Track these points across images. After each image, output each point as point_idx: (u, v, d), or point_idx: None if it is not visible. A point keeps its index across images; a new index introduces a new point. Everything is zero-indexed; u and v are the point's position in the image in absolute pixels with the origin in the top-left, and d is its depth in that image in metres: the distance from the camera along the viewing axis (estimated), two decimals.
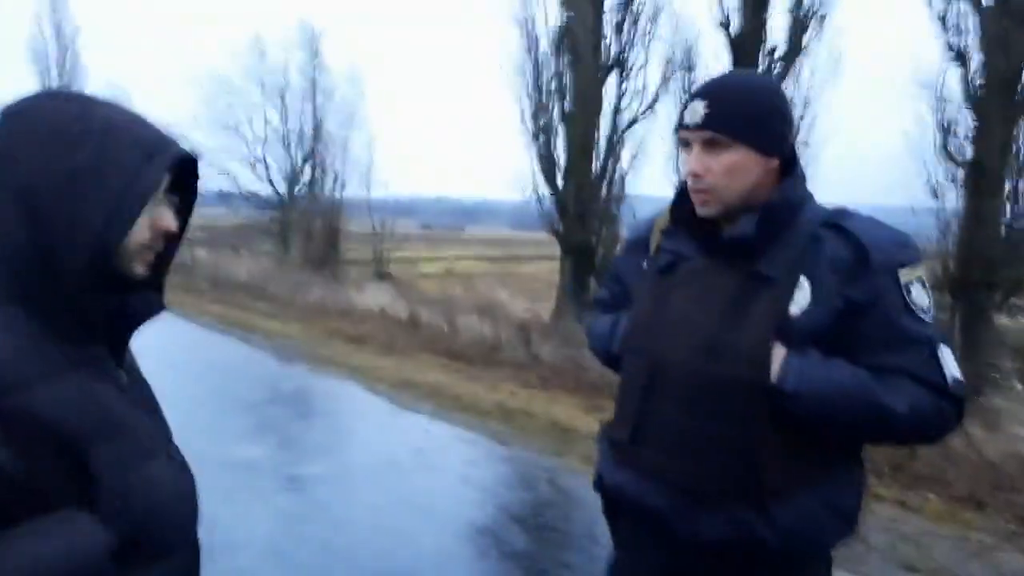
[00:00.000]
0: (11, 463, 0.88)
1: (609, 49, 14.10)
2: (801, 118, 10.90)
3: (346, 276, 16.63)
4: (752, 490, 1.41)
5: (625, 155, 14.15)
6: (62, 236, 0.97)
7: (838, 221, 1.45)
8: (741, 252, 1.45)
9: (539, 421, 6.24)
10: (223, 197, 24.11)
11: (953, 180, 9.33)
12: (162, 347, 9.19)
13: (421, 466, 5.13)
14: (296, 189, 22.26)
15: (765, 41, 11.30)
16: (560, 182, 14.22)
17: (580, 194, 13.87)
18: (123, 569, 0.98)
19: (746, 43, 11.28)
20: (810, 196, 1.51)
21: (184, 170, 1.12)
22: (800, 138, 11.76)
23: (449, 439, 5.77)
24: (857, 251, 1.40)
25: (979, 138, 8.84)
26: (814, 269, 1.41)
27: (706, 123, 1.43)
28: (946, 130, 9.38)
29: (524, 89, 14.34)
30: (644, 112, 14.00)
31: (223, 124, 22.65)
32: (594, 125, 14.06)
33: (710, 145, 1.44)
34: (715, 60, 11.79)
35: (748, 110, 1.43)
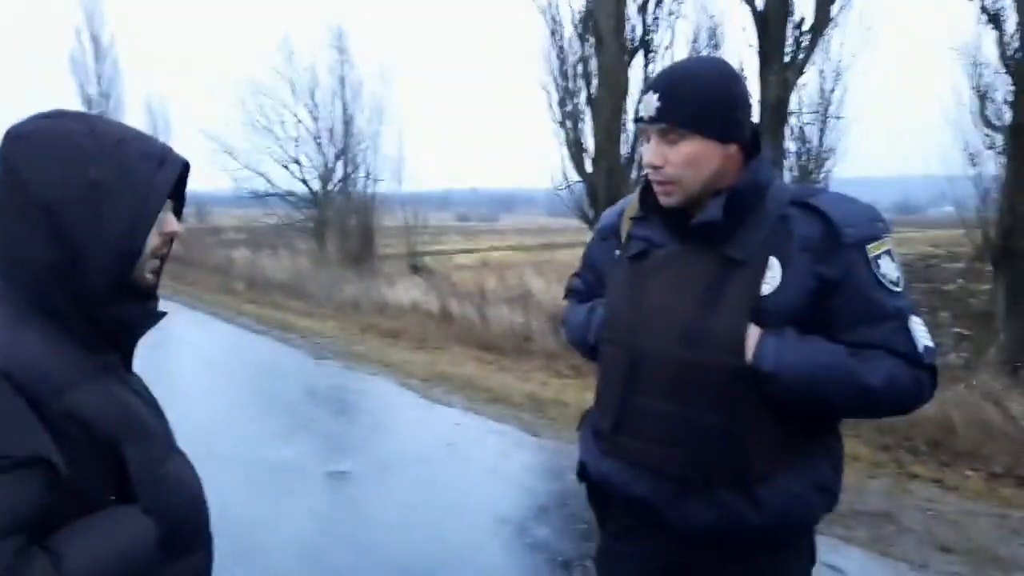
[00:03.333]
0: (63, 465, 0.94)
1: (634, 30, 13.95)
2: (832, 91, 10.67)
3: (381, 271, 16.76)
4: (738, 475, 1.43)
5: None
6: (87, 250, 1.02)
7: (806, 199, 1.45)
8: (710, 237, 1.46)
9: (571, 410, 6.23)
10: (259, 197, 24.43)
11: (992, 147, 9.04)
12: (199, 348, 9.43)
13: (451, 460, 5.17)
14: (330, 186, 22.45)
15: (792, 14, 11.07)
16: (589, 168, 14.13)
17: (609, 179, 13.76)
18: (162, 562, 1.06)
19: (773, 16, 11.05)
20: (777, 176, 1.51)
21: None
22: (831, 111, 11.53)
23: (480, 431, 5.80)
24: (826, 227, 1.41)
25: (1018, 101, 8.53)
26: (784, 249, 1.42)
27: (659, 116, 1.43)
28: (983, 95, 9.09)
29: (550, 76, 14.26)
30: None
31: (256, 125, 22.93)
32: (621, 109, 13.91)
33: (666, 136, 1.44)
34: (742, 36, 11.59)
35: (701, 99, 1.42)
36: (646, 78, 14.20)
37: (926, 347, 1.41)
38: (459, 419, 6.12)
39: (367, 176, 20.90)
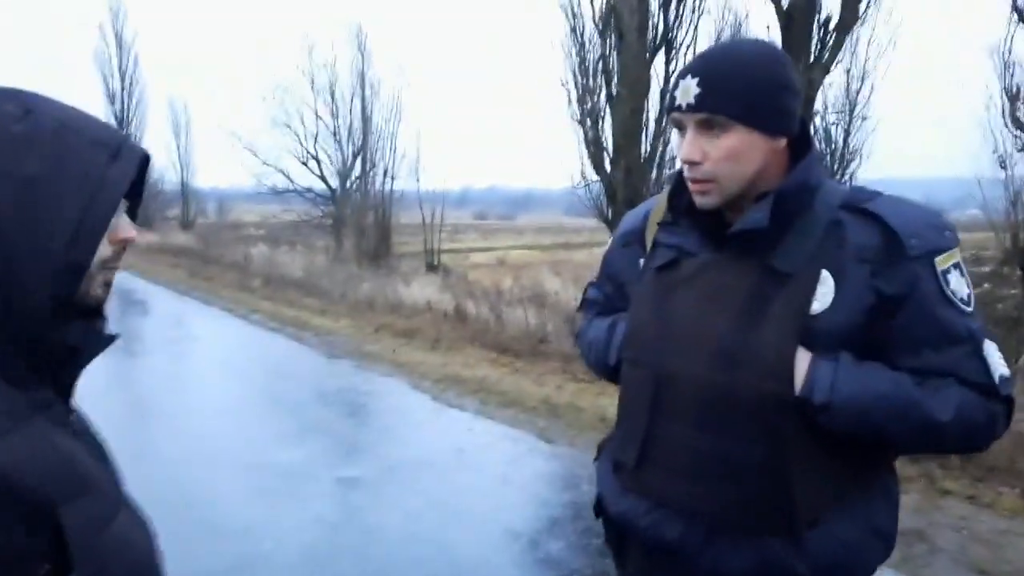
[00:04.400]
0: None
1: (656, 27, 13.73)
2: (858, 91, 10.41)
3: (398, 269, 16.65)
4: (783, 518, 1.25)
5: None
6: (20, 262, 0.81)
7: (861, 203, 1.27)
8: (752, 245, 1.28)
9: (587, 416, 6.06)
10: (278, 194, 24.46)
11: (1022, 149, 8.76)
12: (212, 346, 9.35)
13: (461, 466, 5.01)
14: (348, 184, 22.41)
15: (819, 11, 10.82)
16: (608, 167, 13.93)
17: (628, 178, 13.55)
18: None
19: (798, 14, 10.80)
20: (826, 177, 1.33)
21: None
22: (857, 111, 11.27)
23: (492, 437, 5.64)
24: (886, 236, 1.23)
25: None
26: (837, 260, 1.24)
27: (699, 104, 1.24)
28: (1014, 96, 8.82)
29: (569, 73, 14.08)
30: None
31: (276, 122, 22.95)
32: (642, 107, 13.69)
33: (706, 128, 1.25)
34: (766, 34, 11.35)
35: (747, 85, 1.24)
36: (667, 76, 14.03)
37: (1002, 376, 1.24)
38: (471, 423, 5.97)
39: (384, 173, 20.84)
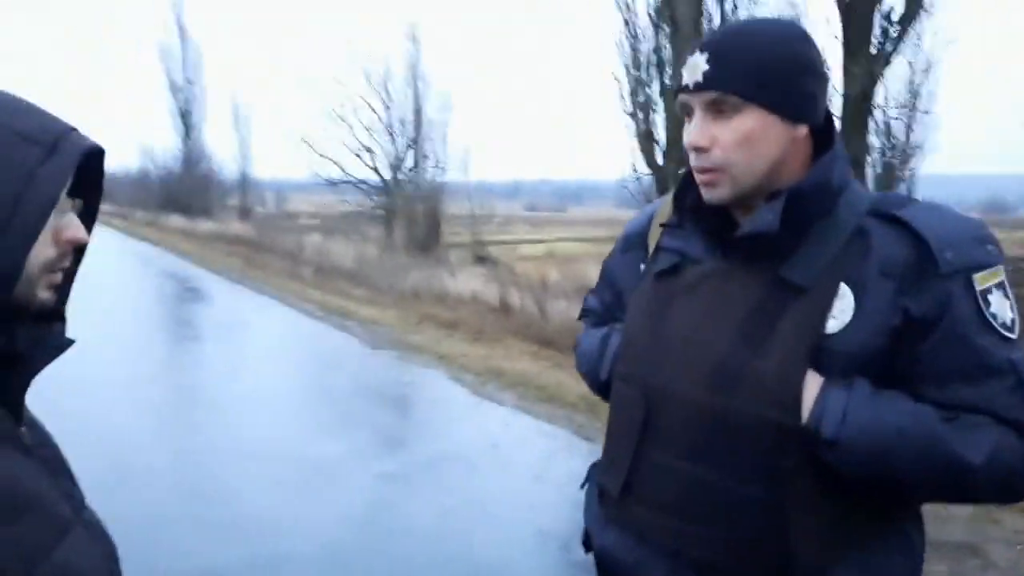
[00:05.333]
0: None
1: (711, 20, 13.44)
2: (921, 84, 10.00)
3: (446, 260, 16.70)
4: (777, 567, 1.11)
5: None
6: None
7: (891, 209, 1.11)
8: (762, 252, 1.13)
9: None
10: (333, 185, 24.79)
11: None
12: (258, 334, 9.47)
13: (495, 462, 4.95)
14: (399, 175, 22.58)
15: (880, 2, 10.43)
16: (660, 160, 13.70)
17: (680, 171, 13.30)
18: None
19: (859, 6, 10.43)
20: (853, 178, 1.17)
21: (84, 167, 0.89)
22: (921, 106, 10.84)
23: (528, 432, 5.57)
24: (917, 248, 1.07)
25: None
26: (859, 273, 1.09)
27: (709, 81, 1.10)
28: None
29: (622, 65, 13.87)
30: None
31: (331, 114, 23.22)
32: None
33: (716, 109, 1.11)
34: (825, 26, 10.99)
35: (764, 62, 1.09)
36: None
37: None
38: (508, 418, 5.90)
39: (436, 165, 20.94)
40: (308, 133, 26.35)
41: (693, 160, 1.16)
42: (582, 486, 1.43)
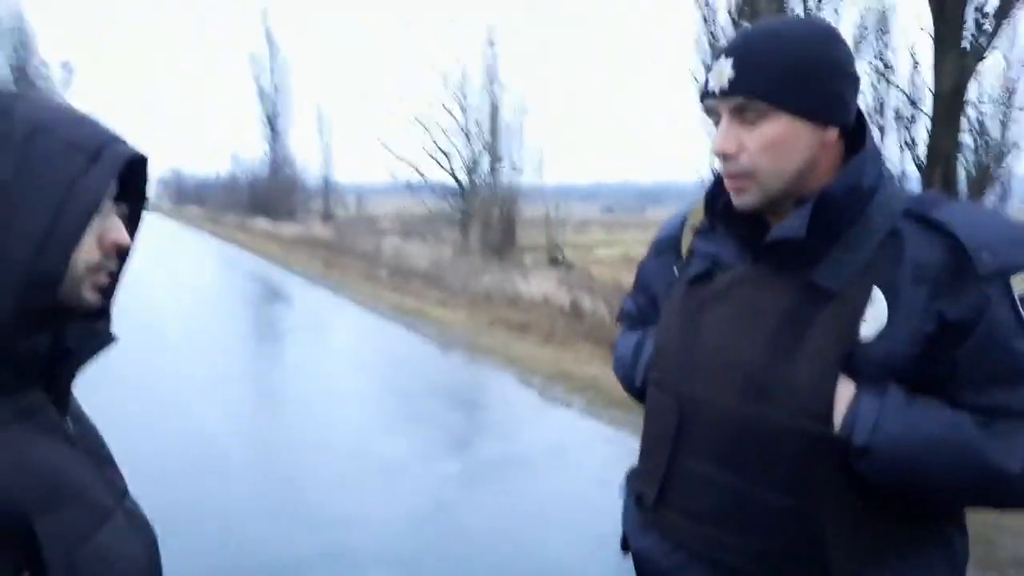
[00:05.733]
0: None
1: (794, 15, 13.10)
2: (1016, 80, 9.49)
3: (521, 263, 16.77)
4: (813, 574, 1.09)
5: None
6: None
7: (925, 211, 1.07)
8: (792, 257, 1.11)
9: None
10: (411, 188, 25.24)
11: None
12: (332, 334, 9.71)
13: (559, 466, 4.93)
14: (475, 178, 22.80)
15: None
16: None
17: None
18: None
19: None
20: (887, 180, 1.13)
21: (130, 174, 0.94)
22: (1016, 102, 10.29)
23: (594, 437, 5.53)
24: (953, 251, 1.03)
25: None
26: (892, 277, 1.05)
27: (734, 86, 1.08)
28: None
29: (700, 64, 13.65)
30: None
31: (410, 119, 23.63)
32: None
33: (742, 115, 1.09)
34: (916, 20, 10.57)
35: (789, 65, 1.06)
36: None
37: None
38: (575, 422, 5.87)
39: (511, 168, 21.07)
40: (387, 137, 26.90)
41: (722, 166, 1.14)
42: (621, 491, 1.44)
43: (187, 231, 33.60)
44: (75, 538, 0.85)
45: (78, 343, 0.94)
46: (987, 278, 1.01)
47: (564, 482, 4.63)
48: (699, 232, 1.28)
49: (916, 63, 11.28)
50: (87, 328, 0.95)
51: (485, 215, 19.76)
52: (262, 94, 35.89)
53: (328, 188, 35.83)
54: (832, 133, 1.10)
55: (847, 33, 12.73)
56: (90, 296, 0.91)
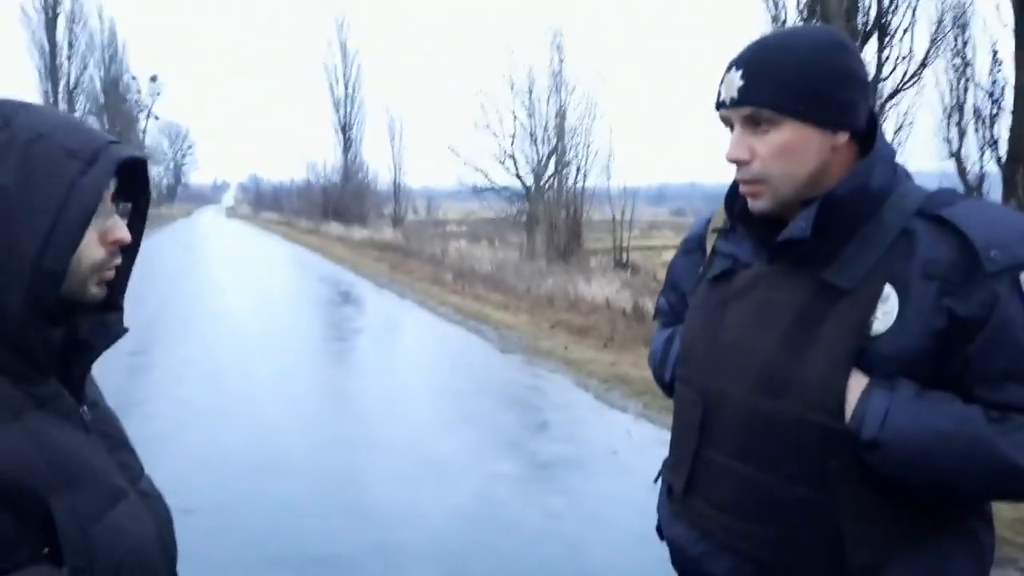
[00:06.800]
0: None
1: (868, 12, 12.74)
2: None
3: (587, 266, 16.72)
4: (830, 565, 1.12)
5: (888, 128, 12.64)
6: None
7: (936, 209, 1.10)
8: (806, 257, 1.15)
9: None
10: (478, 192, 25.47)
11: None
12: (395, 335, 9.89)
13: (612, 469, 4.92)
14: (542, 182, 22.86)
15: None
16: None
17: None
18: None
19: None
20: (903, 180, 1.16)
21: (132, 174, 1.01)
22: None
23: (650, 441, 5.48)
24: (962, 249, 1.05)
25: None
26: (902, 273, 1.08)
27: (743, 96, 1.14)
28: None
29: None
30: (910, 80, 12.43)
31: (477, 124, 23.88)
32: None
33: (753, 123, 1.15)
34: (996, 16, 10.15)
35: (796, 73, 1.11)
36: (880, 64, 12.95)
37: None
38: (630, 425, 5.84)
39: (577, 171, 21.05)
40: (455, 142, 27.25)
41: (736, 173, 1.20)
42: (655, 481, 1.49)
43: (263, 235, 34.66)
44: (88, 517, 0.91)
45: (91, 335, 1.00)
46: (996, 275, 1.03)
47: (617, 485, 4.62)
48: (720, 233, 1.34)
49: (998, 60, 10.82)
50: (100, 321, 1.02)
51: (551, 218, 19.76)
52: (336, 103, 36.81)
53: (398, 193, 36.45)
54: (842, 137, 1.14)
55: (924, 32, 12.33)
56: (95, 291, 0.97)
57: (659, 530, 1.44)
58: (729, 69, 1.17)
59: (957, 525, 1.14)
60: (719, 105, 1.19)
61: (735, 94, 1.15)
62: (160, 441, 5.01)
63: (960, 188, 11.77)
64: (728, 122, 1.19)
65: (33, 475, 0.87)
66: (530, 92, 23.33)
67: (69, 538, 0.88)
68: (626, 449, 5.30)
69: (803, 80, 1.11)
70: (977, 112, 11.06)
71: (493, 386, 7.12)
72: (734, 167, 1.20)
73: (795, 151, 1.13)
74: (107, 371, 1.03)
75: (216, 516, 3.93)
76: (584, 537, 3.86)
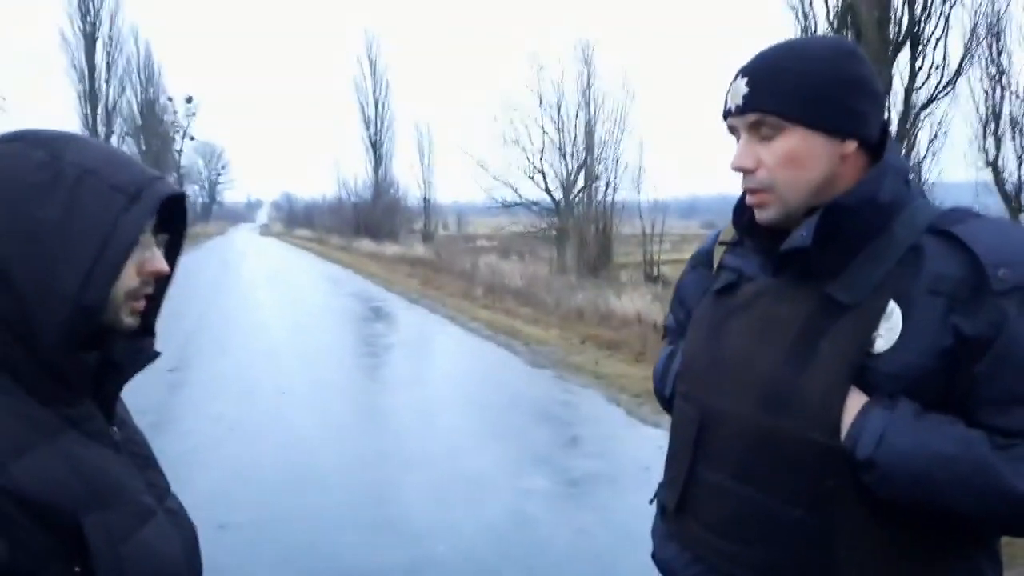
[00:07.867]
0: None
1: (900, 22, 12.60)
2: None
3: (617, 280, 16.69)
4: None
5: (922, 138, 12.47)
6: (34, 299, 0.90)
7: (946, 225, 1.07)
8: (811, 270, 1.12)
9: None
10: (506, 207, 25.57)
11: None
12: (425, 351, 9.93)
13: (643, 485, 4.85)
14: (571, 196, 22.89)
15: None
16: None
17: None
18: None
19: None
20: (917, 195, 1.14)
21: (171, 205, 1.04)
22: None
23: None
24: (971, 266, 1.02)
25: None
26: (908, 290, 1.05)
27: (748, 103, 1.11)
28: None
29: None
30: (944, 90, 12.25)
31: (506, 139, 24.00)
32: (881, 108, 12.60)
33: (759, 131, 1.12)
34: None
35: (802, 80, 1.09)
36: (912, 74, 12.79)
37: None
38: (662, 441, 5.76)
39: (607, 185, 21.05)
40: (484, 157, 27.43)
41: (743, 182, 1.18)
42: (650, 501, 1.45)
43: (296, 252, 35.06)
44: (119, 535, 0.93)
45: (124, 358, 1.03)
46: (1004, 294, 1.00)
47: (647, 500, 4.58)
48: (727, 246, 1.31)
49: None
50: (133, 345, 1.04)
51: (581, 232, 19.77)
52: (366, 120, 37.24)
53: (428, 208, 36.67)
54: (850, 146, 1.11)
55: (958, 40, 12.16)
56: (128, 320, 1.00)
57: (654, 556, 1.39)
58: (736, 77, 1.15)
59: (961, 562, 1.09)
60: (726, 114, 1.17)
61: (740, 101, 1.13)
62: (196, 456, 5.09)
63: (998, 198, 11.56)
64: (735, 131, 1.17)
65: (66, 495, 0.89)
66: (559, 106, 23.44)
67: (101, 556, 0.90)
68: (658, 465, 5.19)
69: (809, 86, 1.09)
70: (1014, 121, 10.87)
71: (524, 401, 7.12)
72: (741, 176, 1.18)
73: (802, 159, 1.10)
74: (145, 387, 1.06)
75: (251, 530, 3.98)
76: (616, 554, 3.83)
